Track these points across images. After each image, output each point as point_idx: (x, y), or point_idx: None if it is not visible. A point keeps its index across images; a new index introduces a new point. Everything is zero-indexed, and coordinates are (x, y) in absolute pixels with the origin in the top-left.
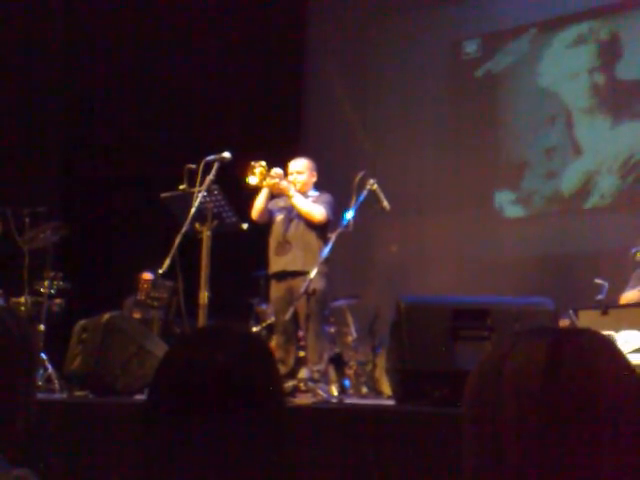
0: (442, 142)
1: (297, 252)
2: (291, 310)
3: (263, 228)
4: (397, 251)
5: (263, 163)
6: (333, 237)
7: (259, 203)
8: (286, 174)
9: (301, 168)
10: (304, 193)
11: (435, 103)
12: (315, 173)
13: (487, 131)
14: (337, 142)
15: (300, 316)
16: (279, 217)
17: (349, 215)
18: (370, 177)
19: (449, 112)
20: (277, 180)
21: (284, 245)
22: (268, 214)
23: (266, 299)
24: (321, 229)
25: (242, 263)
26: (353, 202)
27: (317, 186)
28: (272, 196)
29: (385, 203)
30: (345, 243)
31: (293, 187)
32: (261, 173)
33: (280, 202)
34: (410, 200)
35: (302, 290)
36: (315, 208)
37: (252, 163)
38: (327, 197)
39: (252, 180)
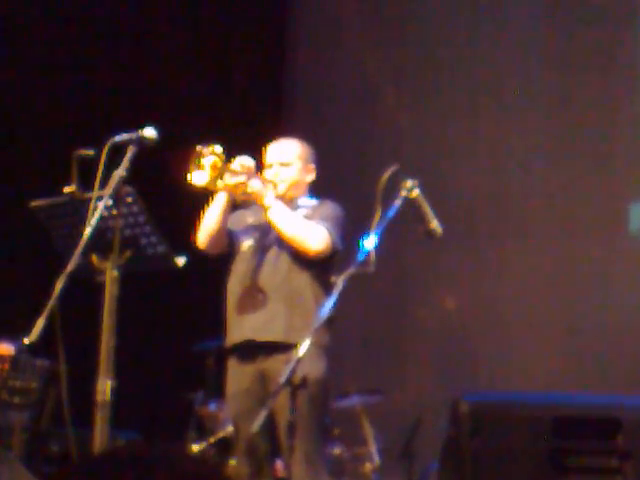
0: (534, 126)
1: (276, 308)
2: (263, 415)
3: (216, 264)
4: (454, 309)
5: (217, 148)
6: (341, 282)
7: (211, 219)
8: (261, 168)
9: (288, 157)
10: (292, 201)
11: (522, 52)
12: (313, 167)
13: (615, 111)
14: (345, 116)
15: (279, 426)
16: (246, 244)
17: (370, 243)
18: (407, 177)
19: (547, 75)
20: (243, 178)
21: (254, 295)
22: (227, 238)
23: (218, 393)
24: (320, 267)
25: (175, 328)
26: (377, 220)
27: (315, 190)
28: (235, 206)
29: (434, 223)
30: (363, 294)
31: (272, 190)
32: (214, 166)
33: (248, 217)
34: (478, 218)
35: (284, 379)
36: (311, 229)
37: (198, 148)
38: (333, 209)
39: (198, 178)
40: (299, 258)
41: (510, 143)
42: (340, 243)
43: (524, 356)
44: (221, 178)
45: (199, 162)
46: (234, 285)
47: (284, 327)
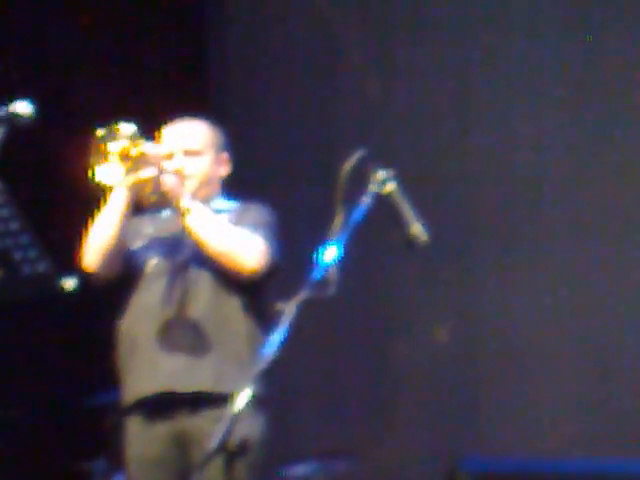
0: (548, 96)
1: (200, 347)
2: None
3: (117, 288)
4: (446, 343)
5: (127, 128)
6: (291, 310)
7: (106, 229)
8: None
9: (197, 143)
10: (204, 201)
11: None
12: (227, 156)
13: None
14: (294, 83)
15: None
16: (150, 263)
17: (329, 256)
18: (379, 166)
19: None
20: (154, 170)
21: (167, 331)
22: (123, 256)
23: (118, 463)
24: (254, 290)
25: (62, 376)
26: (339, 225)
27: (229, 187)
28: (136, 208)
29: (417, 227)
30: (323, 324)
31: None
32: (125, 154)
33: (145, 226)
34: (476, 220)
35: (216, 442)
36: (245, 240)
37: (99, 132)
38: (264, 213)
39: (108, 174)
40: (226, 279)
41: (518, 119)
42: (280, 259)
43: (540, 407)
44: (135, 172)
45: (104, 150)
46: (135, 319)
47: (213, 373)
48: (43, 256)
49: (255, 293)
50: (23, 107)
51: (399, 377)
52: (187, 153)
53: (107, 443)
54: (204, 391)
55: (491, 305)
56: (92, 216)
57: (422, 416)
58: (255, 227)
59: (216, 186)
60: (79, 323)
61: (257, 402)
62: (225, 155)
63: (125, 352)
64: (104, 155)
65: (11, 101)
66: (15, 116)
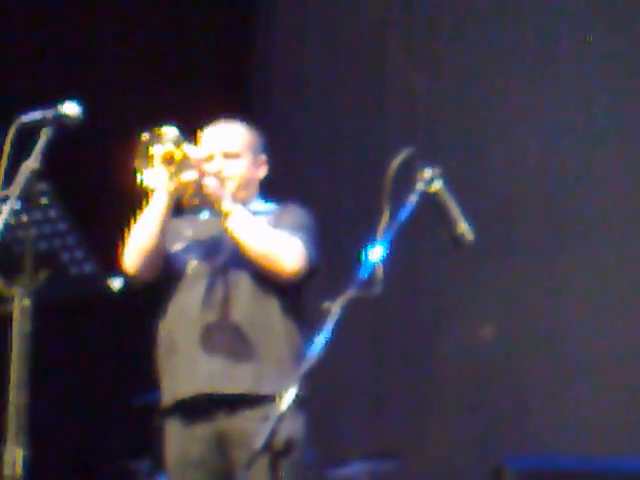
0: (598, 91)
1: (240, 350)
2: None
3: (152, 291)
4: (491, 341)
5: (171, 132)
6: (337, 309)
7: (147, 231)
8: None
9: (236, 145)
10: (242, 204)
11: None
12: (264, 158)
13: None
14: (337, 83)
15: None
16: (192, 265)
17: (375, 255)
18: (426, 165)
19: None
20: (196, 174)
21: (207, 333)
22: (163, 258)
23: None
24: (294, 293)
25: (109, 376)
26: (385, 224)
27: (267, 189)
28: (175, 210)
29: (463, 225)
30: (367, 323)
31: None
32: (169, 158)
33: (184, 229)
34: (522, 218)
35: (261, 442)
36: (285, 243)
37: (144, 136)
38: (302, 215)
39: (153, 178)
40: (266, 281)
41: (566, 115)
42: (319, 260)
43: (585, 406)
44: (179, 175)
45: (148, 154)
46: (175, 321)
47: (252, 374)
48: (90, 257)
49: (294, 295)
50: (71, 108)
51: (444, 377)
52: (226, 155)
53: (152, 443)
54: (243, 393)
55: (536, 304)
56: (135, 218)
57: (467, 416)
58: (294, 229)
59: (254, 188)
60: (127, 322)
61: (299, 402)
62: (263, 157)
63: (164, 354)
64: (149, 159)
65: (59, 102)
66: (63, 117)
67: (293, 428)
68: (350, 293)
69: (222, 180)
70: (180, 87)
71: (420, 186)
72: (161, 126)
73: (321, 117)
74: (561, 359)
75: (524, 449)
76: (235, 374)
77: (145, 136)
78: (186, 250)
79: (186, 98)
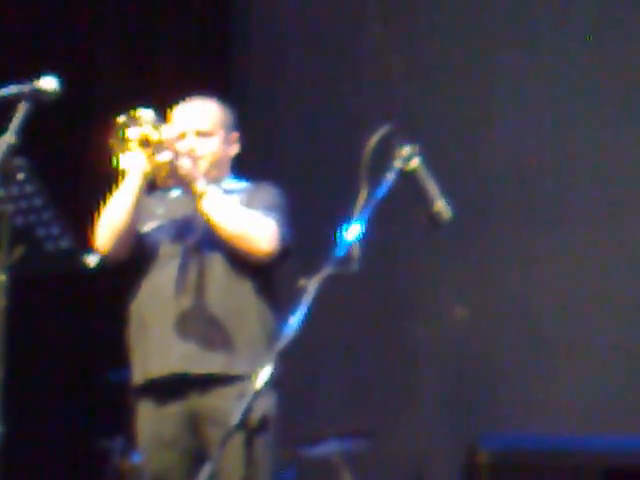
0: (578, 71)
1: (213, 330)
2: (207, 471)
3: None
4: (466, 321)
5: (146, 114)
6: (313, 287)
7: (120, 211)
8: None
9: (208, 123)
10: (214, 182)
11: None
12: (236, 135)
13: None
14: (316, 61)
15: None
16: (164, 245)
17: (352, 234)
18: (404, 142)
19: None
20: (170, 155)
21: (180, 314)
22: (135, 238)
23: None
24: (265, 274)
25: (84, 352)
26: (362, 202)
27: (243, 166)
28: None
29: (440, 203)
30: (343, 303)
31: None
32: (143, 139)
33: (155, 207)
34: (500, 197)
35: (237, 419)
36: (259, 223)
37: (120, 119)
38: (275, 194)
39: (130, 161)
40: (239, 262)
41: (546, 95)
42: (291, 241)
43: (559, 385)
44: (153, 157)
45: (124, 137)
46: (147, 300)
47: (225, 355)
48: (66, 233)
49: (266, 276)
50: (48, 83)
51: (419, 356)
52: (198, 134)
53: (126, 421)
54: (216, 373)
55: (510, 284)
56: (108, 197)
57: (441, 395)
58: (266, 209)
59: (226, 166)
60: (102, 299)
61: (274, 381)
62: (235, 134)
63: (135, 332)
64: (125, 142)
65: (36, 77)
66: (40, 91)
67: (267, 406)
68: (326, 271)
69: (195, 159)
70: (160, 62)
71: (398, 164)
72: (136, 108)
73: (298, 94)
74: (535, 339)
75: (498, 429)
76: (208, 355)
77: (121, 119)
78: (158, 229)
79: (165, 73)
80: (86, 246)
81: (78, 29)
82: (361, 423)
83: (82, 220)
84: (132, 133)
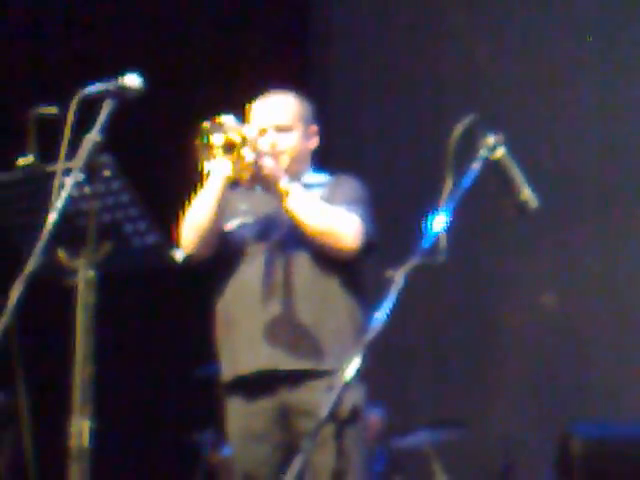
0: None
1: (301, 327)
2: (299, 463)
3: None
4: (556, 309)
5: (229, 120)
6: (401, 278)
7: (203, 212)
8: None
9: (287, 118)
10: (295, 178)
11: None
12: (315, 128)
13: None
14: (398, 51)
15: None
16: (250, 242)
17: (439, 224)
18: (489, 131)
19: None
20: (253, 156)
21: (266, 310)
22: (219, 236)
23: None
24: (353, 268)
25: (174, 347)
26: (448, 191)
27: (327, 158)
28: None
29: (527, 192)
30: (430, 293)
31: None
32: (228, 145)
33: (239, 203)
34: (589, 182)
35: (327, 410)
36: (343, 219)
37: (205, 125)
38: (357, 187)
39: (215, 167)
40: (325, 258)
41: (632, 88)
42: (376, 235)
43: None
44: (241, 161)
45: (209, 143)
46: (234, 298)
47: (314, 351)
48: (152, 228)
49: (353, 270)
50: (132, 80)
51: (507, 345)
52: (278, 129)
53: (216, 414)
54: (305, 369)
55: (598, 271)
56: (191, 196)
57: (531, 384)
58: (350, 204)
59: (307, 160)
60: (190, 294)
61: (361, 373)
62: (314, 127)
63: (223, 330)
64: (209, 148)
65: (121, 74)
66: (124, 89)
67: (357, 398)
68: (413, 262)
69: (276, 155)
70: (240, 54)
71: (483, 153)
72: (219, 115)
73: (380, 85)
74: (624, 326)
75: (589, 416)
76: (296, 352)
77: (205, 125)
78: (243, 227)
79: (245, 65)
80: (173, 241)
81: (166, 28)
82: (451, 413)
83: (170, 216)
84: (216, 139)
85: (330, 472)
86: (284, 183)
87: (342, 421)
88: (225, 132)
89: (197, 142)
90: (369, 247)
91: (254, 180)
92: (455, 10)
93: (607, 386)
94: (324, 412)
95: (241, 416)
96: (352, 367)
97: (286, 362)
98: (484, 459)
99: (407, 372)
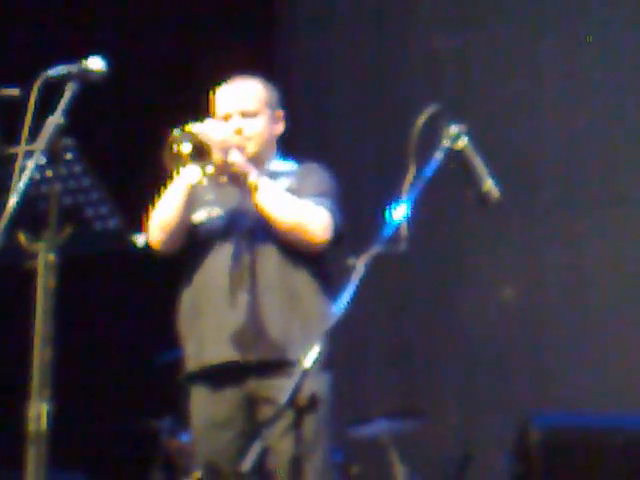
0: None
1: (268, 316)
2: (257, 449)
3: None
4: (514, 301)
5: (196, 127)
6: (361, 266)
7: (172, 208)
8: (212, 116)
9: (253, 103)
10: (261, 166)
11: None
12: (281, 113)
13: None
14: (360, 38)
15: (277, 465)
16: (214, 232)
17: (400, 213)
18: (452, 121)
19: None
20: (222, 155)
21: (233, 299)
22: (187, 230)
23: (185, 421)
24: (320, 259)
25: (132, 332)
26: (410, 181)
27: (291, 145)
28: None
29: (489, 183)
30: (391, 282)
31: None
32: (199, 151)
33: (205, 193)
34: (549, 175)
35: (286, 398)
36: (312, 213)
37: (174, 133)
38: (324, 177)
39: (191, 175)
40: (293, 251)
41: (595, 78)
42: (343, 227)
43: (609, 363)
44: (208, 164)
45: (178, 151)
46: (201, 287)
47: (281, 340)
48: (114, 212)
49: (321, 262)
50: (95, 63)
51: (468, 335)
52: (244, 115)
53: (175, 400)
54: (272, 359)
55: (556, 264)
56: (160, 191)
57: (491, 374)
58: (318, 196)
59: (273, 145)
60: (150, 279)
61: (324, 360)
62: (280, 112)
63: (188, 319)
64: (179, 157)
65: (84, 57)
66: (87, 71)
67: (318, 385)
68: (374, 250)
69: (243, 142)
70: (204, 36)
71: (446, 143)
72: (187, 123)
73: (346, 73)
74: (581, 318)
75: (548, 409)
76: (263, 342)
77: (174, 134)
78: (210, 217)
79: (209, 49)
80: (134, 226)
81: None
82: (409, 402)
83: (132, 200)
84: (184, 148)
85: (289, 459)
86: (253, 177)
87: (301, 409)
88: (193, 140)
89: (166, 152)
90: (337, 239)
91: (222, 175)
92: (421, 3)
93: (566, 376)
94: (282, 399)
95: (205, 404)
96: (311, 355)
97: (252, 353)
98: (442, 449)
99: (364, 361)
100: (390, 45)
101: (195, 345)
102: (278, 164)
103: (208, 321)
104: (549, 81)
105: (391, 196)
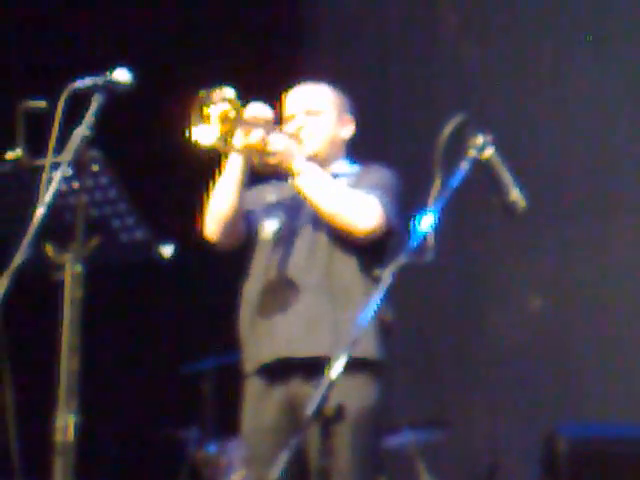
0: None
1: (318, 312)
2: (284, 459)
3: (215, 257)
4: (542, 311)
5: (228, 92)
6: (388, 277)
7: (223, 197)
8: (280, 121)
9: (318, 103)
10: (325, 166)
11: None
12: (351, 118)
13: None
14: (390, 51)
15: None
16: (269, 229)
17: (427, 223)
18: (478, 131)
19: None
20: (260, 133)
21: (284, 295)
22: (244, 223)
23: (218, 430)
24: (371, 252)
25: (160, 344)
26: (436, 191)
27: (353, 152)
28: (253, 178)
29: (515, 193)
30: (417, 292)
31: (300, 148)
32: (224, 117)
33: (268, 194)
34: (576, 185)
35: (311, 408)
36: (359, 201)
37: (202, 93)
38: (385, 175)
39: (204, 135)
40: (343, 241)
41: (621, 87)
42: (396, 220)
43: (637, 374)
44: (233, 134)
45: (203, 112)
46: (255, 284)
47: (331, 337)
48: (140, 223)
49: (374, 255)
50: (122, 74)
51: (494, 345)
52: (308, 113)
53: (202, 411)
54: (321, 356)
55: (586, 274)
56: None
57: (518, 384)
58: (371, 188)
59: (338, 147)
60: (177, 291)
61: (364, 367)
62: (349, 117)
63: (247, 318)
64: (202, 117)
65: (110, 69)
66: (114, 83)
67: (350, 394)
68: (401, 261)
69: (298, 138)
70: (232, 50)
71: (472, 153)
72: (216, 87)
73: (372, 85)
74: (611, 328)
75: (576, 419)
76: (313, 337)
77: (202, 93)
78: (266, 213)
79: (238, 60)
80: (161, 237)
81: (153, 17)
82: (436, 413)
83: (159, 210)
84: (212, 109)
85: (315, 471)
86: (298, 162)
87: (327, 420)
88: (221, 101)
89: (192, 110)
90: (387, 231)
91: (266, 162)
92: (447, 11)
93: (593, 386)
94: (310, 409)
95: (256, 406)
96: (338, 363)
97: (302, 349)
98: (469, 459)
99: (392, 371)
100: (416, 55)
101: (251, 345)
102: (342, 166)
103: (262, 320)
104: (575, 91)
105: (418, 206)
